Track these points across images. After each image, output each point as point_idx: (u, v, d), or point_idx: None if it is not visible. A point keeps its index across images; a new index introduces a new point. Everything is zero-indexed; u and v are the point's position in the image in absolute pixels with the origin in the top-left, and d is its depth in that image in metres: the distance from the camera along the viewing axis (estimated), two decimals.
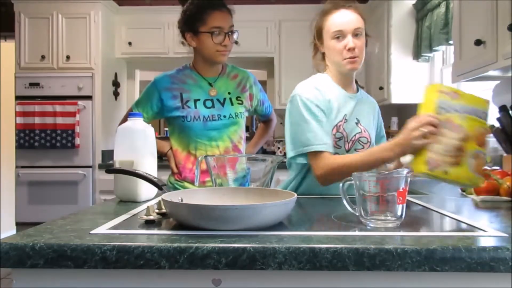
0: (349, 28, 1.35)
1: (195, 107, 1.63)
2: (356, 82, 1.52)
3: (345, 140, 1.39)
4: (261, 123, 2.03)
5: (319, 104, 1.36)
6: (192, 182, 1.66)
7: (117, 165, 1.26)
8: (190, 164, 1.66)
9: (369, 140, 1.43)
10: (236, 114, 1.67)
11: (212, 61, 1.66)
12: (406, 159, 1.16)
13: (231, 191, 1.05)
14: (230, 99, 1.68)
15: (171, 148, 1.72)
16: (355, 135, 1.40)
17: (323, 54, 1.46)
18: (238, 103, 1.69)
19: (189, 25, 1.61)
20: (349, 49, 1.35)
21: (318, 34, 1.44)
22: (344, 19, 1.36)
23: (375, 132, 1.53)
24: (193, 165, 1.65)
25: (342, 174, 1.18)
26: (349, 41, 1.34)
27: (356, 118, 1.42)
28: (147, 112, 1.67)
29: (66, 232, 0.82)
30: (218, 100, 1.67)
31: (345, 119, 1.40)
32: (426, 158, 1.04)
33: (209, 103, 1.65)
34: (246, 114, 1.77)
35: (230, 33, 1.60)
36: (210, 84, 1.68)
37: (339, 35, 1.36)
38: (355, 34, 1.36)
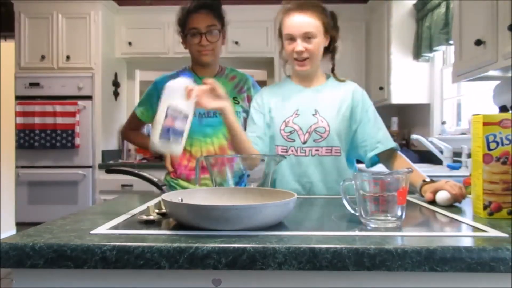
0: (298, 32, 1.40)
1: None
2: (335, 75, 1.55)
3: (300, 133, 1.44)
4: None
5: (257, 107, 1.52)
6: (186, 179, 1.69)
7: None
8: (186, 161, 1.70)
9: (326, 130, 1.44)
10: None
11: (198, 62, 1.72)
12: (442, 195, 1.13)
13: (231, 191, 1.05)
14: None
15: None
16: (310, 127, 1.44)
17: None
18: (235, 103, 1.73)
19: (180, 29, 1.72)
20: (297, 52, 1.41)
21: (280, 33, 1.49)
22: (294, 23, 1.41)
23: (348, 114, 1.47)
24: (188, 162, 1.69)
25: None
26: (298, 44, 1.40)
27: (314, 110, 1.46)
28: (148, 111, 1.75)
29: (66, 232, 0.82)
30: None
31: (297, 114, 1.45)
32: (483, 202, 0.98)
33: None
34: (244, 115, 1.79)
35: (207, 33, 1.64)
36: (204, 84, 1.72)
37: (291, 37, 1.42)
38: (306, 37, 1.40)
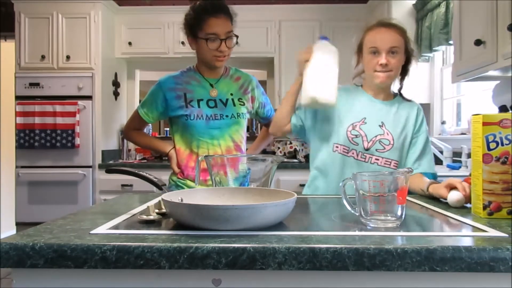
0: (384, 46, 1.45)
1: (198, 106, 1.67)
2: (401, 94, 1.62)
3: (364, 139, 1.48)
4: (263, 126, 2.04)
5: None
6: (194, 180, 1.68)
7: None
8: (193, 162, 1.69)
9: (391, 143, 1.49)
10: (238, 114, 1.71)
11: (209, 66, 1.69)
12: (453, 197, 1.12)
13: (231, 191, 1.05)
14: (233, 100, 1.72)
15: (173, 148, 1.73)
16: (376, 136, 1.49)
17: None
18: (240, 104, 1.72)
19: (189, 30, 1.65)
20: (381, 65, 1.45)
21: (359, 48, 1.55)
22: (381, 37, 1.47)
23: (410, 134, 1.53)
24: (195, 164, 1.66)
25: (276, 119, 1.60)
26: (382, 57, 1.45)
27: (381, 122, 1.51)
28: (152, 112, 1.72)
29: (66, 232, 0.82)
30: (220, 100, 1.70)
31: (364, 121, 1.51)
32: (483, 202, 0.98)
33: (212, 103, 1.69)
34: (248, 116, 1.79)
35: (227, 39, 1.61)
36: (211, 85, 1.71)
37: (375, 51, 1.47)
38: (391, 52, 1.46)
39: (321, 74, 1.39)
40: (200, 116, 1.65)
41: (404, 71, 1.56)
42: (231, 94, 1.72)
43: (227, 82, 1.74)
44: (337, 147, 1.50)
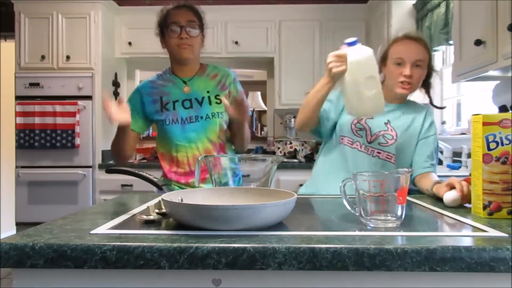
0: (410, 58, 1.48)
1: (174, 108, 1.68)
2: (432, 103, 1.65)
3: (368, 133, 1.54)
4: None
5: (333, 97, 1.58)
6: (176, 182, 1.69)
7: None
8: (175, 166, 1.70)
9: (394, 138, 1.53)
10: (213, 114, 1.68)
11: (178, 59, 1.71)
12: (449, 196, 1.13)
13: (231, 191, 1.05)
14: (209, 97, 1.70)
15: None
16: (379, 131, 1.54)
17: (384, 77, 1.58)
18: (217, 102, 1.69)
19: (159, 30, 1.72)
20: (405, 75, 1.48)
21: (383, 58, 1.58)
22: (408, 49, 1.50)
23: (416, 134, 1.56)
24: (178, 167, 1.69)
25: (301, 111, 1.51)
26: (407, 69, 1.48)
27: (387, 120, 1.56)
28: (136, 122, 1.71)
29: (66, 232, 0.82)
30: (196, 99, 1.69)
31: (371, 117, 1.55)
32: (483, 202, 0.98)
33: (187, 104, 1.68)
34: (226, 116, 1.70)
35: (187, 27, 1.65)
36: (184, 82, 1.72)
37: (400, 62, 1.50)
38: (416, 65, 1.49)
39: (363, 87, 1.29)
40: (176, 120, 1.66)
41: (427, 85, 1.60)
42: (208, 92, 1.70)
43: (204, 80, 1.73)
44: (342, 138, 1.56)
